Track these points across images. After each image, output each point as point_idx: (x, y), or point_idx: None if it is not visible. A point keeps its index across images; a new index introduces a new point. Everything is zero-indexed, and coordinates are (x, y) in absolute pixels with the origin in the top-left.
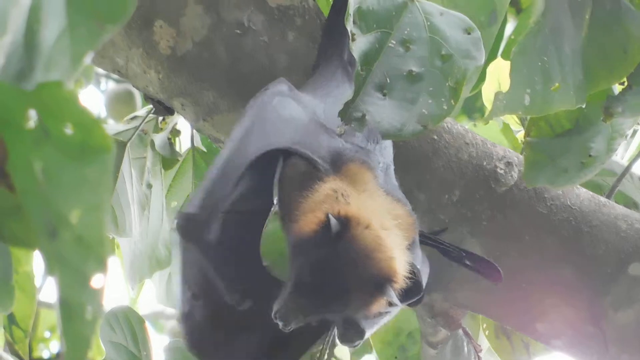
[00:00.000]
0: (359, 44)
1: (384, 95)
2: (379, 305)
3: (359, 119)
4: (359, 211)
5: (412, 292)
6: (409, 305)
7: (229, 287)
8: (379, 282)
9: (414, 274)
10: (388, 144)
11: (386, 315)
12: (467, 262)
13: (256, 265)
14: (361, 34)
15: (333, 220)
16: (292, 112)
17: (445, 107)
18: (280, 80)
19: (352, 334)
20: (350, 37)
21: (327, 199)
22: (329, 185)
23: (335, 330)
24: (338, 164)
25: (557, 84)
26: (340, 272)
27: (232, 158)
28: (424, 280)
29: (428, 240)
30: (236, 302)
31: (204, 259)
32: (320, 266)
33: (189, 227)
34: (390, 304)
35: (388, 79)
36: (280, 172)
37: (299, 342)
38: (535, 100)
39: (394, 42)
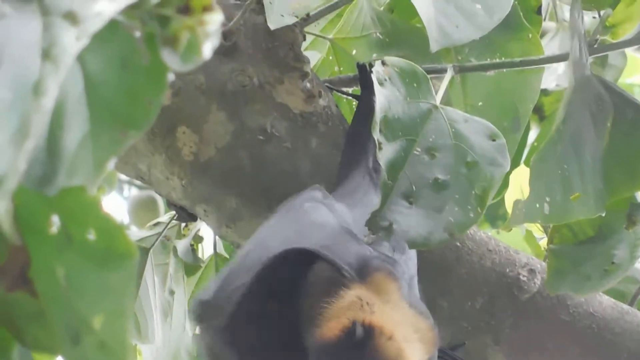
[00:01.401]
0: (386, 153)
1: (410, 203)
2: None
3: (386, 228)
4: (383, 321)
5: None
6: None
7: None
8: None
9: None
10: (413, 255)
11: None
12: None
13: None
14: (387, 142)
15: (359, 328)
16: (323, 218)
17: (471, 215)
18: (315, 187)
19: None
20: (377, 146)
21: (351, 306)
22: (354, 293)
23: None
24: (364, 272)
25: (577, 193)
26: None
27: (253, 252)
28: None
29: (446, 356)
30: None
31: (216, 344)
32: None
33: (203, 312)
34: None
35: (414, 187)
36: (304, 277)
37: None
38: (554, 209)
39: (419, 150)
